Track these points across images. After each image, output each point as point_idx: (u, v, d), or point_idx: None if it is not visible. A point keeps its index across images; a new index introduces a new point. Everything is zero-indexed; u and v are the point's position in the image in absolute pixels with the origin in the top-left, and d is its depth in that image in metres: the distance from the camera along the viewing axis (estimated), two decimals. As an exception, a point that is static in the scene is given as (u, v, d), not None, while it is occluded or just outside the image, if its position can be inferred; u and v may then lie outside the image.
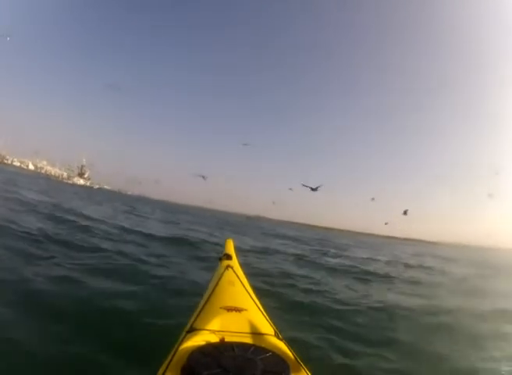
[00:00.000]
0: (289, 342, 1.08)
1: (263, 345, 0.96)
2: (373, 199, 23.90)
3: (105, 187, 76.70)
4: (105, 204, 18.20)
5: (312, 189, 9.85)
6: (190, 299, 2.37)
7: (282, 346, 1.02)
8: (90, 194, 28.51)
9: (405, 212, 13.86)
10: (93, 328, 2.15)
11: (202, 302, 1.34)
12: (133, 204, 25.33)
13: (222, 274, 1.62)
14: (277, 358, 0.89)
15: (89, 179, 69.79)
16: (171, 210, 30.67)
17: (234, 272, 1.66)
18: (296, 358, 0.96)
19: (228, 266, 1.72)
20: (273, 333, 1.10)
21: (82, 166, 70.12)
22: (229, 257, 1.92)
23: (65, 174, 69.60)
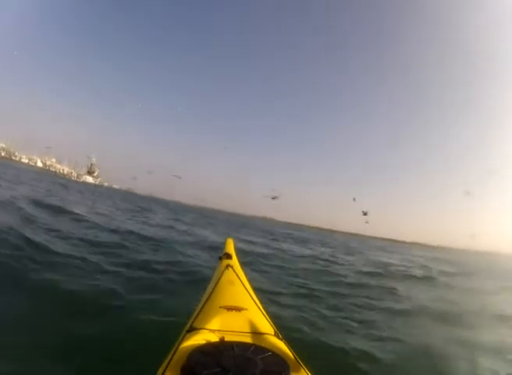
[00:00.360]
0: (289, 342, 1.08)
1: (263, 345, 0.96)
2: (354, 199, 24.19)
3: (114, 186, 77.19)
4: (105, 200, 17.84)
5: (272, 198, 11.24)
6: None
7: (282, 346, 1.02)
8: (95, 192, 27.80)
9: (365, 213, 14.30)
10: (91, 328, 2.13)
11: (202, 302, 1.35)
12: (140, 203, 25.34)
13: (222, 273, 1.63)
14: (277, 357, 0.89)
15: (98, 177, 70.23)
16: (180, 210, 30.62)
17: (234, 271, 1.66)
18: (296, 358, 0.96)
19: (228, 266, 1.72)
20: (273, 333, 1.10)
21: (91, 165, 70.52)
22: (229, 256, 1.93)
23: (74, 172, 70.12)
